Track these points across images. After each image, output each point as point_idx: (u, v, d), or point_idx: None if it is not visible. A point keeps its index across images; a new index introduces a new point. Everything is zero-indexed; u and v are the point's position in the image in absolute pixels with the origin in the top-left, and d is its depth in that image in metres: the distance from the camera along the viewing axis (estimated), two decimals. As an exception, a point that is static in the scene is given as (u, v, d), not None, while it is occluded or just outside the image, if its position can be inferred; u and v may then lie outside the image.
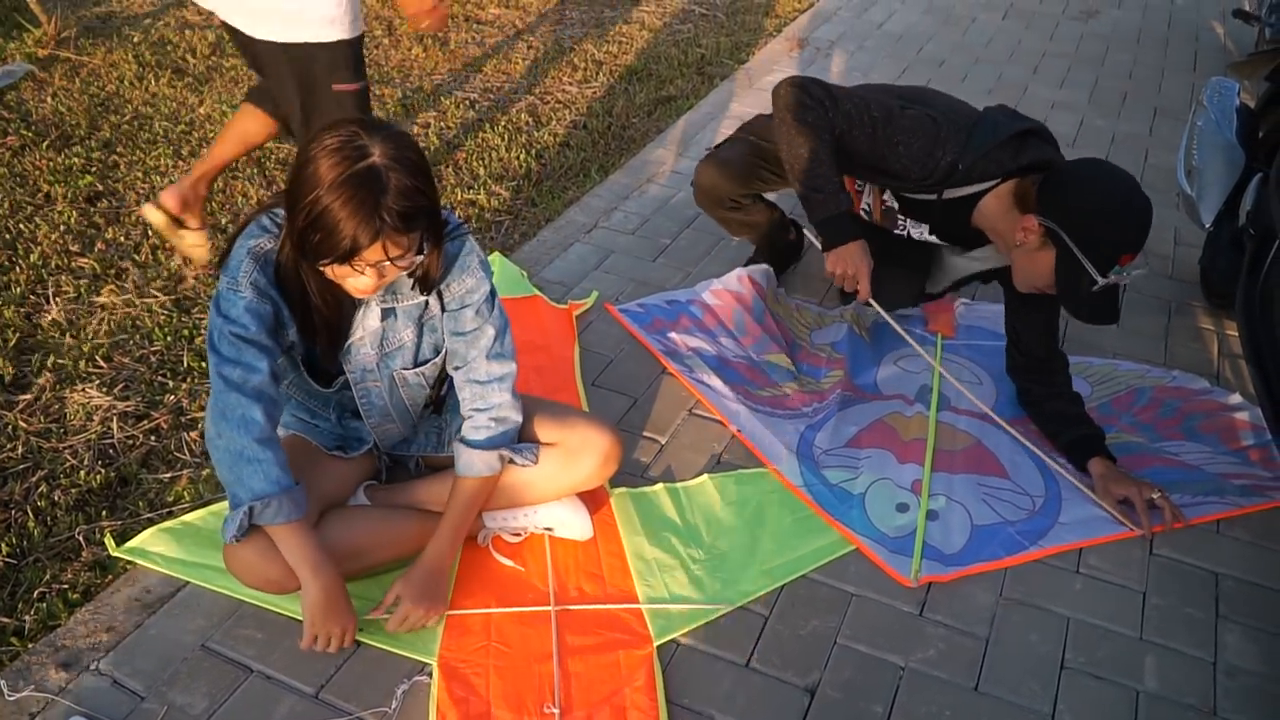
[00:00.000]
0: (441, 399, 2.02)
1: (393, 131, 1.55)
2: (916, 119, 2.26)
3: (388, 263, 1.57)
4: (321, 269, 1.59)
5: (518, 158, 3.65)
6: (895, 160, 2.27)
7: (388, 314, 1.77)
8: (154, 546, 1.99)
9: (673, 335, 2.65)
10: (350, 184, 1.48)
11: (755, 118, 2.74)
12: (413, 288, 1.76)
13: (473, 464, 1.86)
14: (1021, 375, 2.42)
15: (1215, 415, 2.48)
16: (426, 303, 1.80)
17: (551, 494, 1.98)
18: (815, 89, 2.30)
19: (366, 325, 1.76)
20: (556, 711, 1.71)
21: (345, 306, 1.74)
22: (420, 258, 1.63)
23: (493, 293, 1.84)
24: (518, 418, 1.91)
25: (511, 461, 1.90)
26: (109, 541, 2.01)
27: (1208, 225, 2.73)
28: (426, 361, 1.88)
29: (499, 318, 1.86)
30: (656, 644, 1.84)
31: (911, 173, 2.27)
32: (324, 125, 1.55)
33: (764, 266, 2.84)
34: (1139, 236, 2.04)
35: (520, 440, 1.93)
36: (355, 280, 1.59)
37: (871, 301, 2.39)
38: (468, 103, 4.09)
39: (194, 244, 2.85)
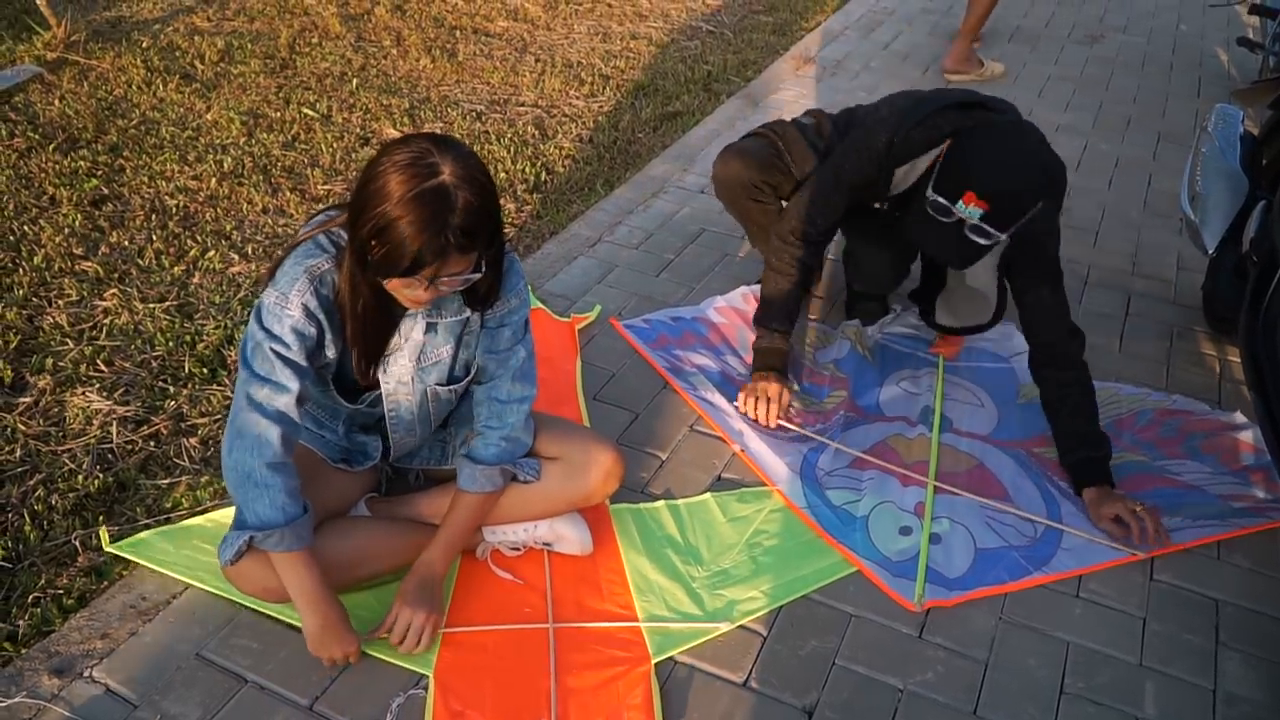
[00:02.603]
0: (449, 412, 2.02)
1: (463, 151, 1.55)
2: (853, 144, 2.43)
3: (444, 279, 1.57)
4: (379, 280, 1.59)
5: (523, 170, 3.65)
6: (853, 175, 2.41)
7: (430, 328, 1.77)
8: (150, 544, 1.98)
9: (677, 352, 2.65)
10: (419, 201, 1.48)
11: (777, 120, 2.78)
12: (463, 306, 1.76)
13: (475, 479, 1.86)
14: (1039, 368, 2.39)
15: (1216, 435, 2.47)
16: (467, 319, 1.79)
17: (552, 509, 1.97)
18: (788, 233, 2.48)
19: (410, 337, 1.75)
20: (553, 727, 1.70)
21: (394, 319, 1.74)
22: (477, 275, 1.62)
23: (528, 316, 1.86)
24: (529, 440, 1.92)
25: (514, 478, 1.90)
26: (103, 535, 2.00)
27: (1211, 251, 2.72)
28: (460, 380, 1.88)
29: (530, 340, 1.88)
30: (654, 661, 1.83)
31: (865, 174, 2.38)
32: (393, 140, 1.56)
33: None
34: (985, 182, 2.13)
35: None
36: (411, 292, 1.59)
37: (783, 422, 2.41)
38: (474, 114, 4.10)
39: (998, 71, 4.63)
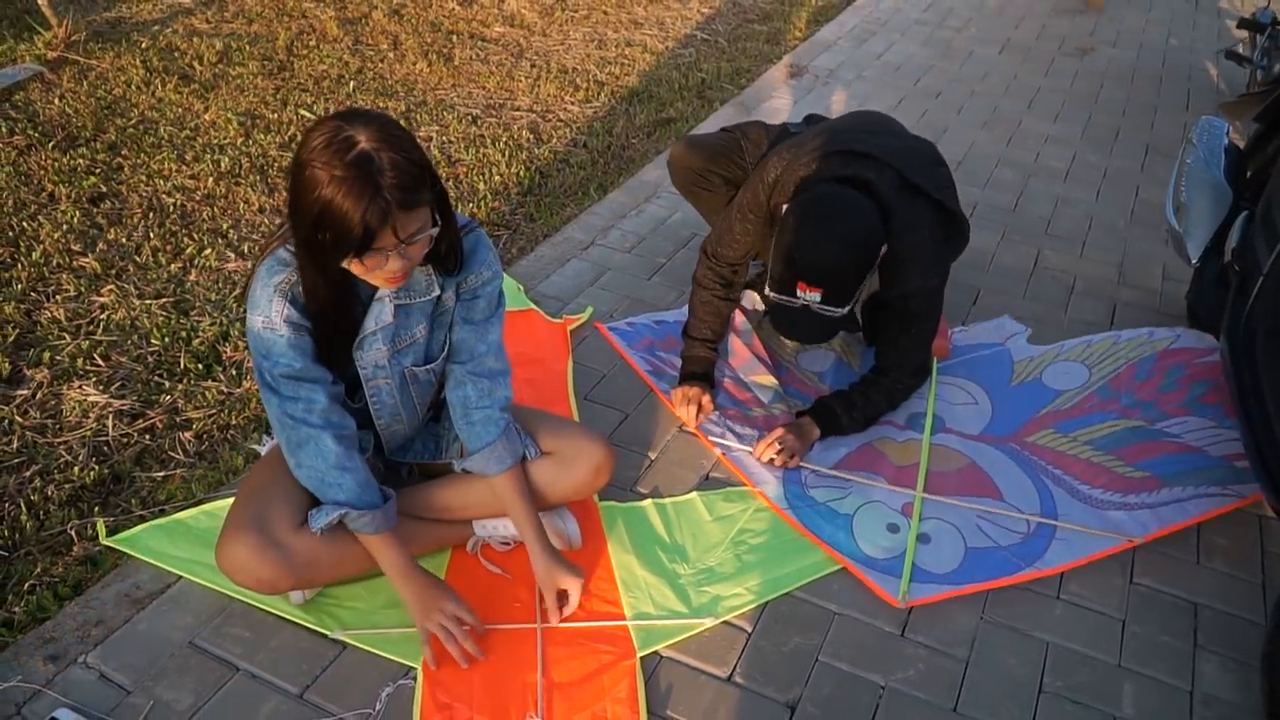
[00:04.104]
0: (441, 403, 2.05)
1: (374, 115, 1.57)
2: (753, 175, 2.45)
3: (406, 243, 1.58)
4: (346, 267, 1.60)
5: (518, 173, 3.69)
6: (751, 206, 2.42)
7: (401, 310, 1.79)
8: (145, 539, 2.01)
9: (661, 353, 2.68)
10: (346, 174, 1.49)
11: (750, 121, 2.88)
12: (428, 277, 1.77)
13: (502, 458, 1.91)
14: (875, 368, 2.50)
15: (1220, 381, 2.47)
16: (439, 298, 1.82)
17: (543, 502, 2.00)
18: (707, 251, 2.55)
19: (380, 319, 1.77)
20: (539, 720, 1.73)
21: (358, 301, 1.75)
22: (436, 229, 1.64)
23: (502, 289, 1.91)
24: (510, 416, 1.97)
25: (524, 457, 1.96)
26: (100, 528, 2.02)
27: (1194, 261, 2.76)
28: (436, 358, 1.90)
29: (503, 315, 1.92)
30: (640, 655, 1.86)
31: (760, 205, 2.40)
32: (307, 130, 1.58)
33: (748, 292, 2.87)
34: (803, 274, 2.15)
35: None
36: (382, 270, 1.61)
37: (696, 431, 2.44)
38: (470, 118, 4.13)
39: None
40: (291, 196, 1.56)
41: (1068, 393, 2.55)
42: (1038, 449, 2.41)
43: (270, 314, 1.65)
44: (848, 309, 2.20)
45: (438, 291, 1.80)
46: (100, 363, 2.56)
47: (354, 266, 1.60)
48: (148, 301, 2.79)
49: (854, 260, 2.17)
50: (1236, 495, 2.22)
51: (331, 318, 1.70)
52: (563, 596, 1.91)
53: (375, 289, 1.74)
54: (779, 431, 2.33)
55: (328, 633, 1.85)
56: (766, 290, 2.25)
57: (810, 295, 2.16)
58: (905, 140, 2.46)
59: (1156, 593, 2.10)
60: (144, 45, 4.54)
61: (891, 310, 2.39)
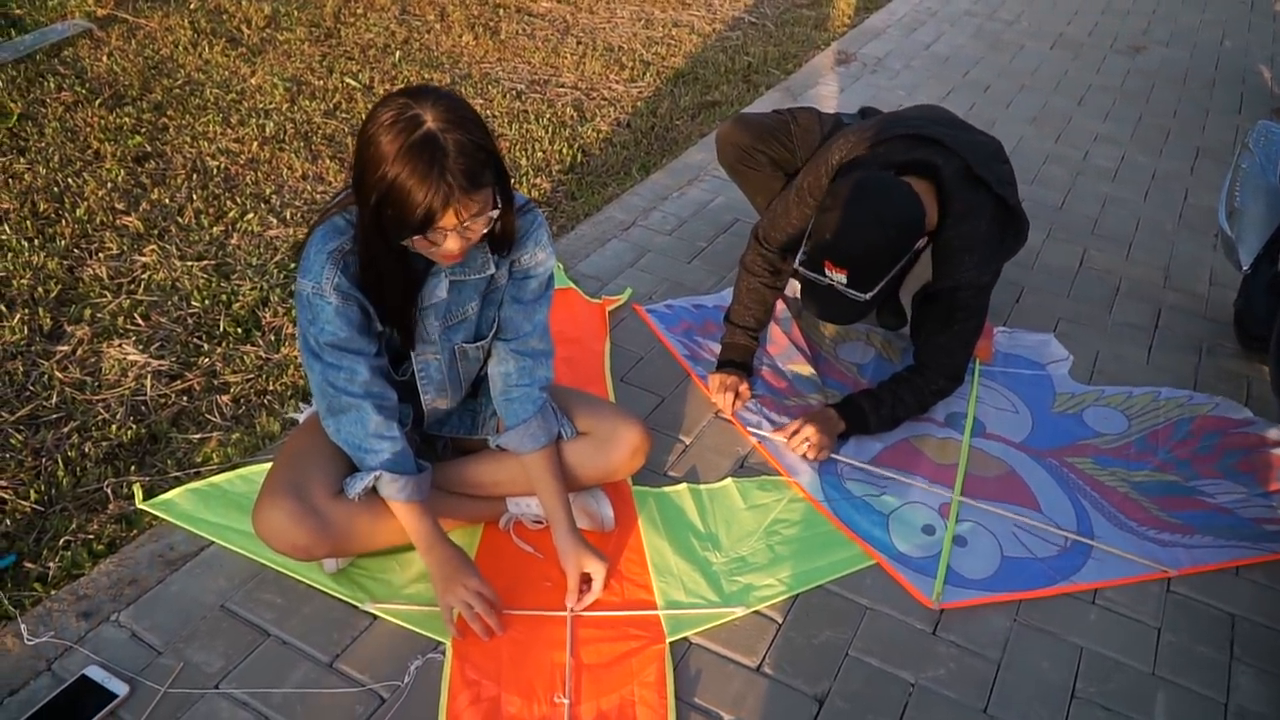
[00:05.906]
0: (479, 379, 2.04)
1: (442, 94, 1.56)
2: (815, 157, 2.45)
3: (467, 223, 1.57)
4: (404, 244, 1.60)
5: (560, 151, 3.67)
6: (812, 189, 2.39)
7: (455, 287, 1.78)
8: (181, 504, 2.02)
9: (698, 338, 2.67)
10: (411, 155, 1.49)
11: (803, 106, 2.88)
12: (484, 254, 1.77)
13: (537, 436, 1.91)
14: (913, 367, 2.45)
15: (1255, 452, 2.44)
16: (492, 276, 1.81)
17: (577, 483, 2.00)
18: (758, 234, 2.53)
19: (434, 295, 1.76)
20: (566, 702, 1.72)
21: (416, 278, 1.75)
22: (496, 213, 1.63)
23: (554, 271, 1.90)
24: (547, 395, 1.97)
25: (559, 436, 1.95)
26: (137, 492, 2.03)
27: (1245, 267, 2.71)
28: (485, 335, 1.90)
29: (551, 296, 1.91)
30: (669, 641, 1.85)
31: (821, 188, 2.36)
32: (375, 105, 1.57)
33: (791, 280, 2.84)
34: (832, 253, 2.16)
35: None
36: (441, 247, 1.60)
37: (732, 418, 2.41)
38: (514, 93, 4.11)
39: None
40: (356, 171, 1.56)
41: (1107, 435, 2.50)
42: (1077, 471, 2.37)
43: (321, 280, 1.65)
44: (870, 296, 2.19)
45: (493, 269, 1.79)
46: (140, 322, 2.57)
47: (412, 243, 1.60)
48: (189, 263, 2.80)
49: (885, 248, 2.16)
50: (1268, 550, 2.18)
51: (386, 290, 1.69)
52: (586, 580, 1.91)
53: (432, 264, 1.73)
54: (799, 423, 2.30)
55: (358, 604, 1.85)
56: (796, 263, 2.25)
57: (836, 275, 2.17)
58: (972, 134, 2.43)
59: (1193, 602, 2.07)
60: (193, 6, 4.55)
61: (940, 303, 2.35)
